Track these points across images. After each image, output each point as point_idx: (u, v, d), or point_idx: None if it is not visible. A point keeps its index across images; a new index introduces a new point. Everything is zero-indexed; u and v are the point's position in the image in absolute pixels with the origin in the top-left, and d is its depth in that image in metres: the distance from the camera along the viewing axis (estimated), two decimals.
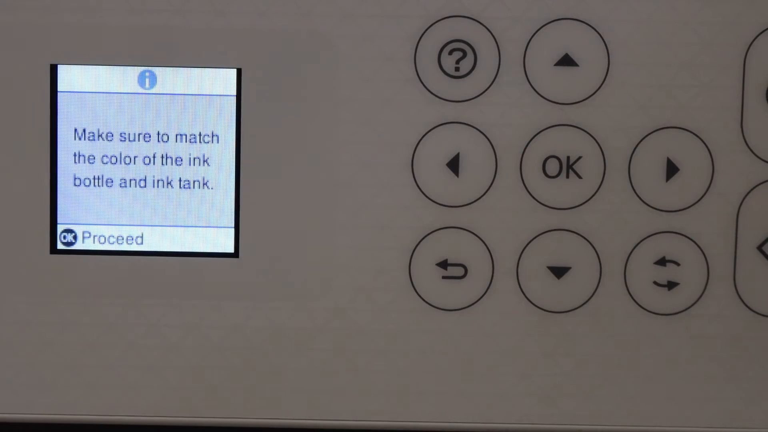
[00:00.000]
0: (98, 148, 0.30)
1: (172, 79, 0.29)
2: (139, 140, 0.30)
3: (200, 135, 0.30)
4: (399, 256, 0.30)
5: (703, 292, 0.30)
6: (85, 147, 0.30)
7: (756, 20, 0.29)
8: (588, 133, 0.30)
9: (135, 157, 0.30)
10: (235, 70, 0.29)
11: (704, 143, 0.30)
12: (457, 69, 0.29)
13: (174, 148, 0.30)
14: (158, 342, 0.30)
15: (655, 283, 0.30)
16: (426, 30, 0.29)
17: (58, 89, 0.29)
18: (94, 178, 0.30)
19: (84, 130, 0.30)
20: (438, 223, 0.30)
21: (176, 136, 0.30)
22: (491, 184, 0.30)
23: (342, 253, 0.30)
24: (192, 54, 0.29)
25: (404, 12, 0.29)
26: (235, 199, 0.30)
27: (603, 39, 0.29)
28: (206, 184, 0.30)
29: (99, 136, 0.30)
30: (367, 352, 0.30)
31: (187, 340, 0.30)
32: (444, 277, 0.30)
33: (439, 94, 0.29)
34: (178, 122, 0.30)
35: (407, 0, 0.29)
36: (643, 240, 0.30)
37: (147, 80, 0.29)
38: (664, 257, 0.30)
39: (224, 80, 0.29)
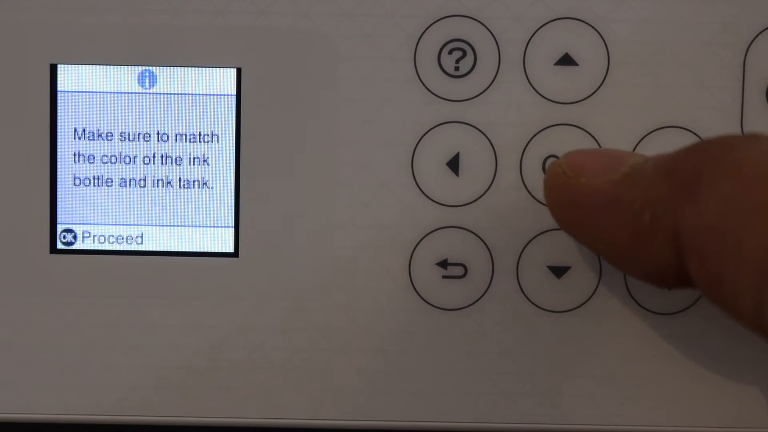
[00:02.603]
0: (98, 147, 0.30)
1: (171, 78, 0.29)
2: (138, 140, 0.30)
3: (200, 135, 0.30)
4: (399, 256, 0.30)
5: None
6: (84, 147, 0.30)
7: (756, 20, 0.29)
8: (588, 133, 0.30)
9: (135, 157, 0.30)
10: (235, 70, 0.29)
11: None
12: (457, 68, 0.29)
13: (174, 148, 0.30)
14: (158, 342, 0.30)
15: None
16: (426, 29, 0.29)
17: (58, 89, 0.29)
18: (94, 178, 0.30)
19: (84, 130, 0.30)
20: (438, 222, 0.30)
21: (176, 135, 0.30)
22: (491, 183, 0.30)
23: (342, 253, 0.30)
24: (192, 54, 0.29)
25: (404, 12, 0.29)
26: (235, 199, 0.30)
27: (603, 39, 0.29)
28: (206, 183, 0.30)
29: (99, 135, 0.30)
30: (367, 352, 0.30)
31: (187, 340, 0.30)
32: (444, 277, 0.30)
33: (438, 94, 0.29)
34: (177, 122, 0.30)
35: (407, 0, 0.29)
36: None
37: (147, 80, 0.29)
38: None
39: (224, 80, 0.29)
